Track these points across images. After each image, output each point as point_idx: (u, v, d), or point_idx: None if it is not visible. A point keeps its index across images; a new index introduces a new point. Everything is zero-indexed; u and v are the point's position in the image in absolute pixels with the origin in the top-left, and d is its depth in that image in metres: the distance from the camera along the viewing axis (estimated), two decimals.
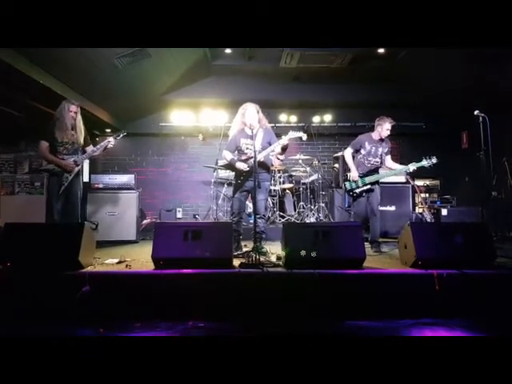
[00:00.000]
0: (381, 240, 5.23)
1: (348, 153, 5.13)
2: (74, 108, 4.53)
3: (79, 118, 4.60)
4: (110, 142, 4.68)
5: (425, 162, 4.84)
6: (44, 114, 6.22)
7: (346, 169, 5.32)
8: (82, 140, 4.61)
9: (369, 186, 4.92)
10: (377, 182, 4.99)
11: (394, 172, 5.10)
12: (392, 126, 4.96)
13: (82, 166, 4.68)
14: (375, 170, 5.00)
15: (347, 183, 5.05)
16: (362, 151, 5.04)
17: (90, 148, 4.69)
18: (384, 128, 4.92)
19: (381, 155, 5.00)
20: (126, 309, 3.13)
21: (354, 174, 5.00)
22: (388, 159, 5.08)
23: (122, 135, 4.90)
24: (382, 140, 5.01)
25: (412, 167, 4.84)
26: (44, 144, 4.46)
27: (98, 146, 4.67)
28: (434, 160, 4.82)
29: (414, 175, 6.77)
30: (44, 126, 4.56)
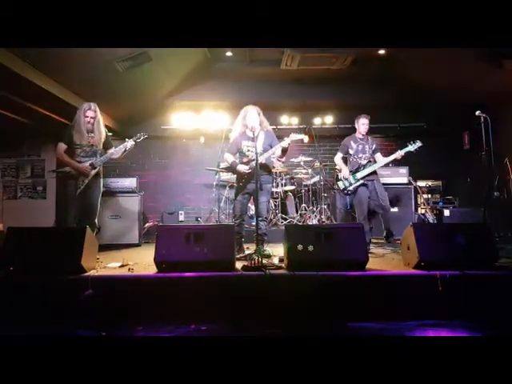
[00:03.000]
0: (382, 242, 5.25)
1: (337, 157, 5.37)
2: (90, 113, 4.44)
3: (98, 119, 4.52)
4: (130, 143, 4.63)
5: (410, 147, 5.00)
6: (46, 119, 6.27)
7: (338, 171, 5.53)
8: (101, 142, 4.56)
9: (361, 181, 5.06)
10: (373, 177, 5.12)
11: (382, 162, 5.15)
12: (369, 120, 5.21)
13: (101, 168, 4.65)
14: (367, 164, 5.13)
15: (340, 183, 5.25)
16: (351, 151, 5.25)
17: (110, 150, 4.65)
18: (360, 123, 5.22)
19: (369, 151, 5.19)
20: (129, 312, 3.13)
21: (344, 172, 5.17)
22: (378, 156, 5.24)
23: (142, 137, 4.81)
24: (364, 137, 5.25)
25: (399, 154, 4.98)
26: (61, 146, 4.40)
27: (117, 149, 4.62)
28: (419, 143, 4.98)
29: (415, 176, 6.77)
30: (64, 128, 4.52)
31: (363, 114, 5.24)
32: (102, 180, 4.68)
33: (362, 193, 5.07)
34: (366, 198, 5.06)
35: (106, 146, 4.65)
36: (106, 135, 4.65)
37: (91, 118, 4.47)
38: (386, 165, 5.32)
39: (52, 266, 3.29)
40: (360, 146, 5.21)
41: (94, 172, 4.48)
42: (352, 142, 5.26)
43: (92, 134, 4.49)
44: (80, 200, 4.44)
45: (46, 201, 7.69)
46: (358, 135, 5.29)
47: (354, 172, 5.14)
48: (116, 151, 4.62)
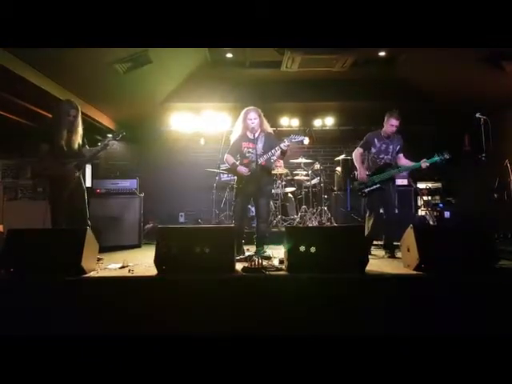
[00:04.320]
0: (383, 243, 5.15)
1: (357, 153, 4.91)
2: (73, 112, 4.33)
3: (78, 120, 4.41)
4: (110, 141, 4.57)
5: (437, 158, 4.56)
6: (46, 120, 6.27)
7: (354, 168, 4.99)
8: (80, 142, 4.46)
9: (378, 185, 4.69)
10: (390, 181, 4.77)
11: (404, 168, 4.81)
12: (399, 122, 4.73)
13: (84, 170, 4.60)
14: (387, 168, 4.75)
15: (356, 183, 4.89)
16: (373, 149, 4.84)
17: (86, 150, 4.56)
18: (388, 124, 4.74)
19: (392, 152, 4.80)
20: (129, 313, 3.12)
21: (361, 175, 4.80)
22: (400, 157, 4.86)
23: (120, 135, 4.74)
24: (390, 136, 4.80)
25: (424, 164, 4.59)
26: (44, 147, 4.30)
27: (98, 148, 4.54)
28: (447, 155, 4.54)
29: (416, 178, 6.77)
30: (43, 128, 4.43)
31: (394, 114, 4.73)
32: (83, 180, 4.59)
33: (376, 196, 4.74)
34: (379, 202, 4.74)
35: (83, 145, 4.55)
36: (82, 134, 4.53)
37: (73, 116, 4.35)
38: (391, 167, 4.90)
39: (52, 268, 3.29)
40: (383, 146, 4.80)
41: (78, 173, 4.42)
42: (376, 140, 4.82)
43: (72, 135, 4.38)
44: (68, 202, 4.37)
45: (46, 202, 7.67)
46: (383, 133, 4.83)
47: (372, 174, 4.77)
48: (97, 150, 4.54)
